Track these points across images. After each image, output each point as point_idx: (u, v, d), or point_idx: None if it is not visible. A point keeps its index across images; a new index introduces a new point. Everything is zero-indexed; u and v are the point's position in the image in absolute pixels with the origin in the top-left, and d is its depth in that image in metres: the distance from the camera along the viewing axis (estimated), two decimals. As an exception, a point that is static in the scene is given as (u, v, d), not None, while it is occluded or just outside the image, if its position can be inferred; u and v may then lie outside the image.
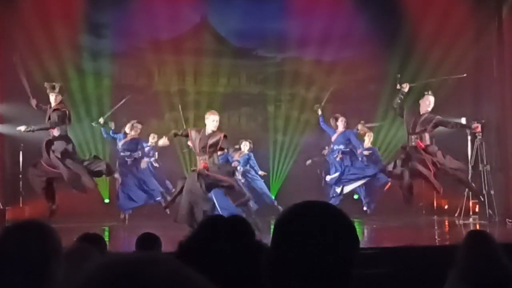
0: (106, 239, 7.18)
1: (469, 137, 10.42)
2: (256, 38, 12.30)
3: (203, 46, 12.44)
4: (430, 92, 8.91)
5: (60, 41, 10.87)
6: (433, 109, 8.82)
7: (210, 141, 7.86)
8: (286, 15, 11.79)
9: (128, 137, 10.74)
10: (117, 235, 8.99)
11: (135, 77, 12.46)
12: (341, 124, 10.77)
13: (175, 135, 8.35)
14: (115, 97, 11.75)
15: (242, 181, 10.57)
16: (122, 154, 10.65)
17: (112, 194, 11.29)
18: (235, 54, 12.39)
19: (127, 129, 10.77)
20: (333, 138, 10.83)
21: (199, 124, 11.90)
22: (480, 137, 10.02)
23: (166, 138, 8.23)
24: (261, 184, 10.94)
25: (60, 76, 11.14)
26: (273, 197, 11.97)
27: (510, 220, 9.40)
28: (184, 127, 9.06)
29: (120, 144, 10.72)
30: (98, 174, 8.66)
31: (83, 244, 2.83)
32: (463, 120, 10.41)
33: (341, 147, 10.75)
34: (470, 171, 10.12)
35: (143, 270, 0.79)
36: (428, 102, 8.77)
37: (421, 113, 8.80)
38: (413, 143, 8.80)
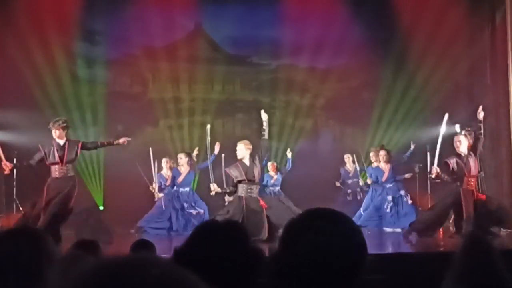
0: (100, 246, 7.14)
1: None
2: (250, 45, 12.32)
3: (197, 53, 12.45)
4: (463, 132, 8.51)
5: (55, 48, 10.86)
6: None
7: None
8: (280, 22, 11.82)
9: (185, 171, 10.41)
10: (112, 242, 8.92)
11: (130, 84, 12.45)
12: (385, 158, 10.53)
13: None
14: (110, 104, 11.74)
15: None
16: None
17: (107, 200, 11.25)
18: (229, 61, 12.41)
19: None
20: (385, 177, 10.51)
21: (194, 130, 11.95)
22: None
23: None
24: None
25: (54, 83, 11.15)
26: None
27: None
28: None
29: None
30: None
31: (77, 251, 2.82)
32: (457, 127, 10.44)
33: (392, 184, 10.48)
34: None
35: (136, 270, 0.79)
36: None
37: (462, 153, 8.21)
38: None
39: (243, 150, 8.11)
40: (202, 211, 10.08)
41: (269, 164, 10.85)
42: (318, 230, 1.42)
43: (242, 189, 8.00)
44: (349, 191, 11.40)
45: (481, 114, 8.13)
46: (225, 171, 8.36)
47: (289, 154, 10.96)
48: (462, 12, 10.71)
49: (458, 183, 8.10)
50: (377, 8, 11.50)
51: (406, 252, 7.29)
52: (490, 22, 10.80)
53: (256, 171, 8.01)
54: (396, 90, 11.87)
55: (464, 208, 7.90)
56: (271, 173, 10.92)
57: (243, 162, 8.06)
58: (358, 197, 11.19)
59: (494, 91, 10.59)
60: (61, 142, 8.02)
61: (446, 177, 8.23)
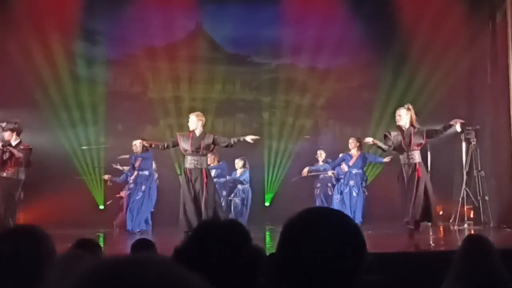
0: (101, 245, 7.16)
1: (463, 143, 10.45)
2: (250, 45, 12.33)
3: (197, 53, 12.46)
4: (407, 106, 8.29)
5: (55, 48, 10.87)
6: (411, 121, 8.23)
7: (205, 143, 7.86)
8: (280, 22, 11.82)
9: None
10: (112, 242, 8.95)
11: (130, 84, 12.45)
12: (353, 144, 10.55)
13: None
14: (110, 103, 11.75)
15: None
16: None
17: (107, 200, 11.27)
18: (229, 60, 12.41)
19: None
20: (352, 162, 10.54)
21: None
22: (475, 143, 10.06)
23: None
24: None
25: (54, 83, 11.15)
26: (268, 204, 12.04)
27: (505, 226, 9.42)
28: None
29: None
30: None
31: (77, 250, 2.82)
32: (457, 127, 10.42)
33: (360, 171, 10.50)
34: (465, 177, 10.16)
35: (136, 270, 0.79)
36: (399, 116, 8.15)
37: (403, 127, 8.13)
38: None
39: (194, 122, 7.97)
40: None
41: (237, 160, 10.89)
42: (318, 230, 1.42)
43: (187, 161, 7.89)
44: (318, 185, 11.27)
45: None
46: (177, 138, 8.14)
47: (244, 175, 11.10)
48: (462, 11, 10.69)
49: (400, 157, 8.11)
50: (377, 8, 11.50)
51: (406, 252, 7.28)
52: (491, 21, 10.79)
53: (204, 143, 7.82)
54: (396, 90, 11.87)
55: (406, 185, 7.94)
56: (237, 166, 11.02)
57: (194, 133, 7.94)
58: (329, 192, 11.09)
59: (494, 91, 10.57)
60: (14, 143, 8.18)
61: (379, 144, 8.22)
